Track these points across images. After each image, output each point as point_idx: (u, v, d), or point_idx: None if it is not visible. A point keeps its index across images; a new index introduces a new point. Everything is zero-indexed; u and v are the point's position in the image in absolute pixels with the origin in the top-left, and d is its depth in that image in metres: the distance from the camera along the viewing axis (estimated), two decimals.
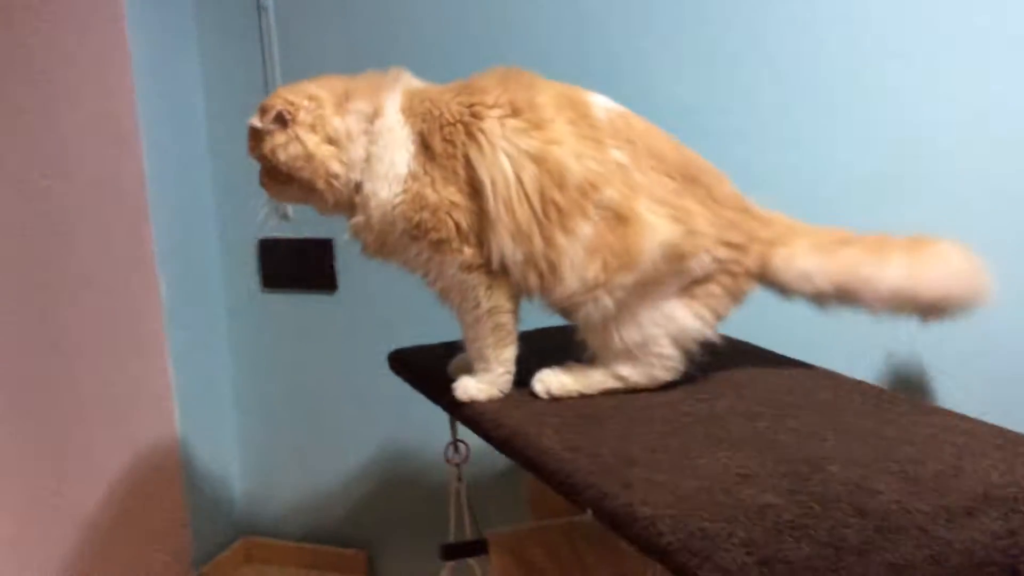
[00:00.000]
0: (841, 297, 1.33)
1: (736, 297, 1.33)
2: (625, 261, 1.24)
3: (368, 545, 2.36)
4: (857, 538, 0.87)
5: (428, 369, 1.53)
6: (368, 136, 1.29)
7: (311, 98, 1.28)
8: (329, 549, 2.39)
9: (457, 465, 1.62)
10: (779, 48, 1.81)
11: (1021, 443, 1.11)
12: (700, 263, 1.27)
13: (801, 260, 1.32)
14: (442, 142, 1.26)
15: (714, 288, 1.30)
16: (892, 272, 1.30)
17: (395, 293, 2.18)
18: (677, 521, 0.91)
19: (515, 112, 1.25)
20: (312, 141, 1.26)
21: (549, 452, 1.14)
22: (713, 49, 1.85)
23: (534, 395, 1.34)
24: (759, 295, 1.37)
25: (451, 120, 1.26)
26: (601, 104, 1.30)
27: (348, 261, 2.21)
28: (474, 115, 1.25)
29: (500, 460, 1.39)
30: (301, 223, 2.22)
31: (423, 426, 2.05)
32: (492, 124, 1.24)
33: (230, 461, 2.44)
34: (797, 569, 0.82)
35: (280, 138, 1.27)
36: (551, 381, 1.33)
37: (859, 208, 1.78)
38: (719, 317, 1.32)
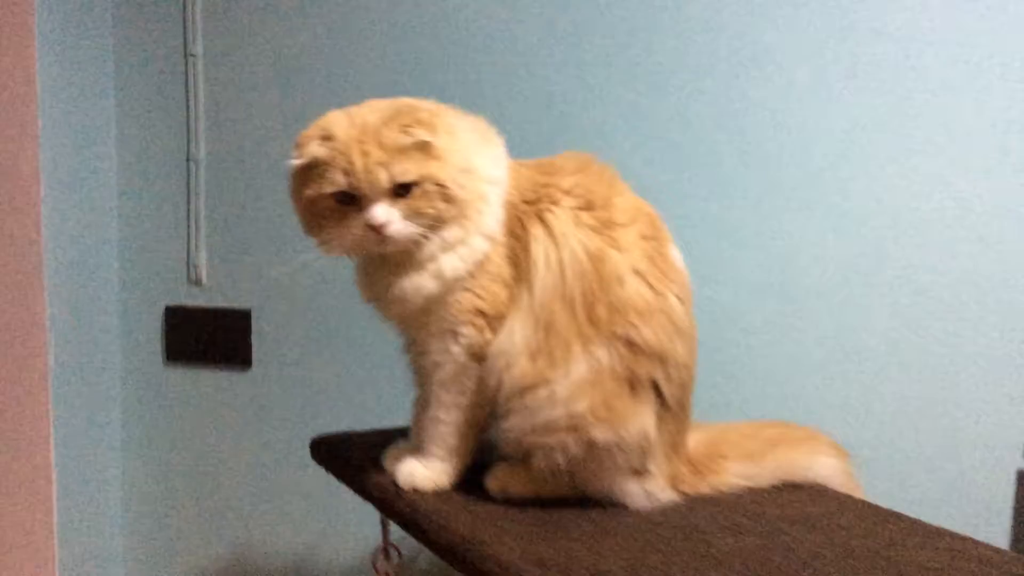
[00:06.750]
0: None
1: None
2: (606, 418, 1.11)
3: None
4: None
5: (357, 459, 1.34)
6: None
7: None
8: None
9: (387, 575, 1.40)
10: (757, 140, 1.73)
11: None
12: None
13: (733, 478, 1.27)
14: (515, 219, 1.17)
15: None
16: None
17: (317, 371, 2.00)
18: None
19: (588, 205, 1.17)
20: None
21: (511, 567, 0.96)
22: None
23: (484, 495, 1.17)
24: None
25: (528, 199, 1.17)
26: (675, 247, 1.22)
27: (265, 334, 2.02)
28: (550, 199, 1.17)
29: (439, 569, 1.20)
30: (215, 290, 2.02)
31: (348, 526, 1.83)
32: (564, 212, 1.16)
33: (115, 566, 2.15)
34: None
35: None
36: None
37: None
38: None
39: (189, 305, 2.05)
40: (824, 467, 1.31)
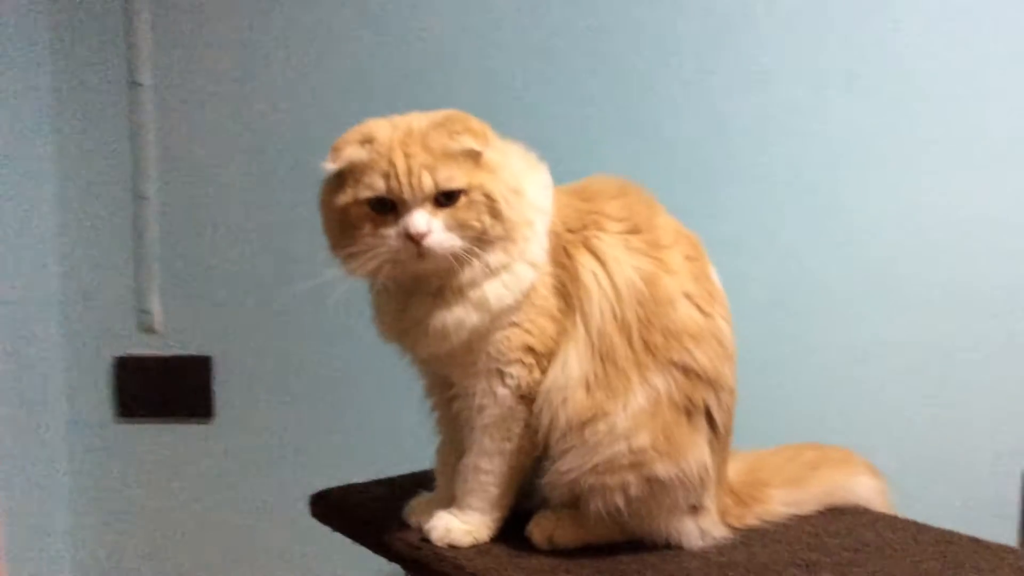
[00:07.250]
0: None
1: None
2: (667, 451, 1.05)
3: None
4: None
5: (369, 514, 1.22)
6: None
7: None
8: None
9: None
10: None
11: None
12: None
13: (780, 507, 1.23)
14: (560, 248, 1.10)
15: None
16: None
17: (285, 421, 1.88)
18: None
19: (635, 229, 1.11)
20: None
21: None
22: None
23: (527, 546, 1.08)
24: None
25: (572, 227, 1.10)
26: (714, 268, 1.17)
27: (228, 382, 1.90)
28: (596, 225, 1.11)
29: None
30: (170, 337, 1.89)
31: None
32: (612, 238, 1.10)
33: None
34: None
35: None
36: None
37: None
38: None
39: (141, 354, 1.92)
40: (864, 488, 1.28)
